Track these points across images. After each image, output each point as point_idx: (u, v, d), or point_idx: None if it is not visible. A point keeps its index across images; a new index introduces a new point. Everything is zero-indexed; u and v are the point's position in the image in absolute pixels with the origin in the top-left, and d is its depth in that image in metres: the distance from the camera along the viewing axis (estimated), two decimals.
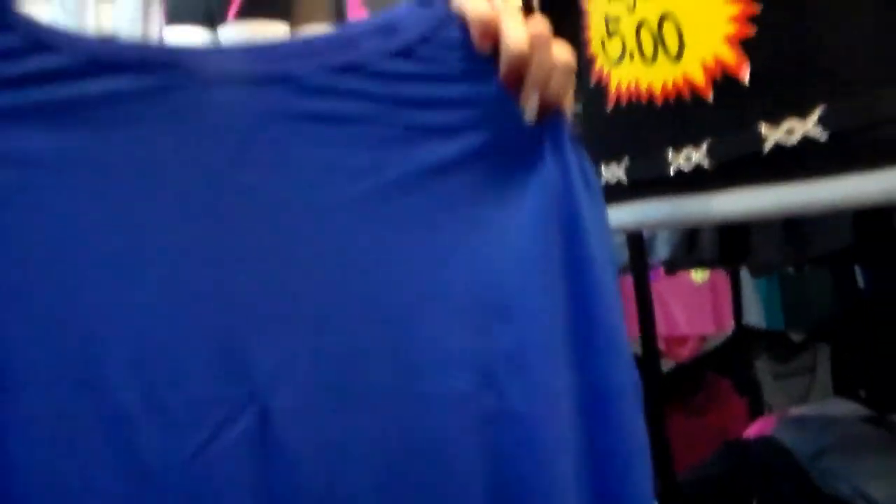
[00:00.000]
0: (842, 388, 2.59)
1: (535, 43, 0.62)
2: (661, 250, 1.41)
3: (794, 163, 0.72)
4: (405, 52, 0.65)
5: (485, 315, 0.63)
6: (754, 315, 2.68)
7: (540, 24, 0.62)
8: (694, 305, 2.64)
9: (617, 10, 0.86)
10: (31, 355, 0.58)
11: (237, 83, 0.63)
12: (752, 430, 1.65)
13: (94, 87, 0.61)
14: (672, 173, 0.82)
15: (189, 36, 2.36)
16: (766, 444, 1.48)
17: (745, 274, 2.73)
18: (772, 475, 1.41)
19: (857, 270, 2.34)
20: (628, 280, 1.60)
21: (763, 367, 2.78)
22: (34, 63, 0.60)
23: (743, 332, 2.70)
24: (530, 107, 0.63)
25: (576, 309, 0.64)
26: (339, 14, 2.44)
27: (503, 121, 0.65)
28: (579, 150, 0.66)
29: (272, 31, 2.32)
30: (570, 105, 0.66)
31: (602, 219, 0.67)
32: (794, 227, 1.25)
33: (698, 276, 2.66)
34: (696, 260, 1.38)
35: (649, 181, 0.85)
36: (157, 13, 2.51)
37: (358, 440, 0.61)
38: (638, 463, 0.64)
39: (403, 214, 0.64)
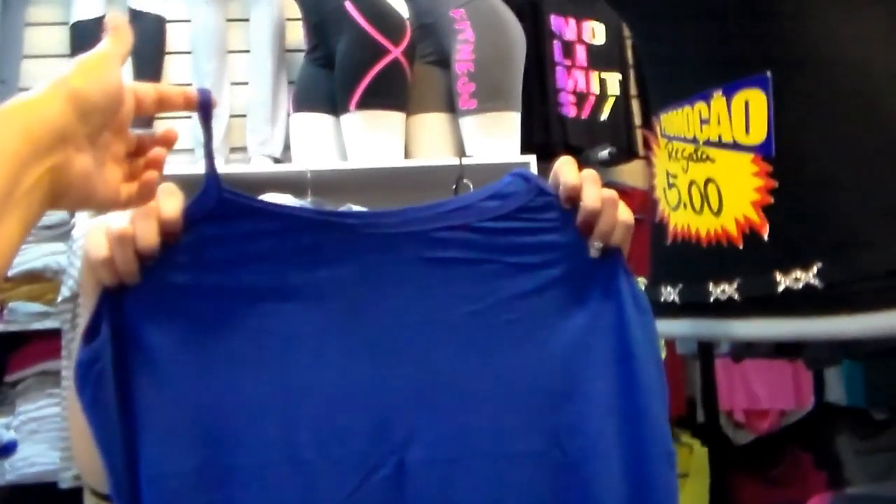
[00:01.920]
0: None
1: (606, 203, 0.87)
2: (724, 345, 1.60)
3: (799, 303, 0.94)
4: (508, 216, 0.91)
5: (555, 397, 0.90)
6: (835, 392, 2.78)
7: (610, 191, 0.87)
8: (775, 381, 2.74)
9: (675, 168, 1.10)
10: (255, 425, 0.87)
11: (387, 237, 0.91)
12: None
13: (295, 240, 0.90)
14: (711, 301, 1.04)
15: (315, 123, 2.60)
16: None
17: None
18: None
19: None
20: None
21: (844, 444, 2.86)
22: (254, 224, 0.89)
23: (825, 408, 2.81)
24: (595, 247, 0.89)
25: (623, 394, 0.90)
26: (450, 105, 2.65)
27: (577, 258, 0.90)
28: (631, 279, 0.90)
29: (389, 120, 2.55)
30: (627, 249, 0.91)
31: (650, 326, 0.91)
32: None
33: None
34: (755, 354, 1.57)
35: (695, 305, 1.08)
36: (286, 100, 2.75)
37: (466, 485, 0.88)
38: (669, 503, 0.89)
39: (502, 327, 0.91)
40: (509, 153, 2.55)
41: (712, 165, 1.03)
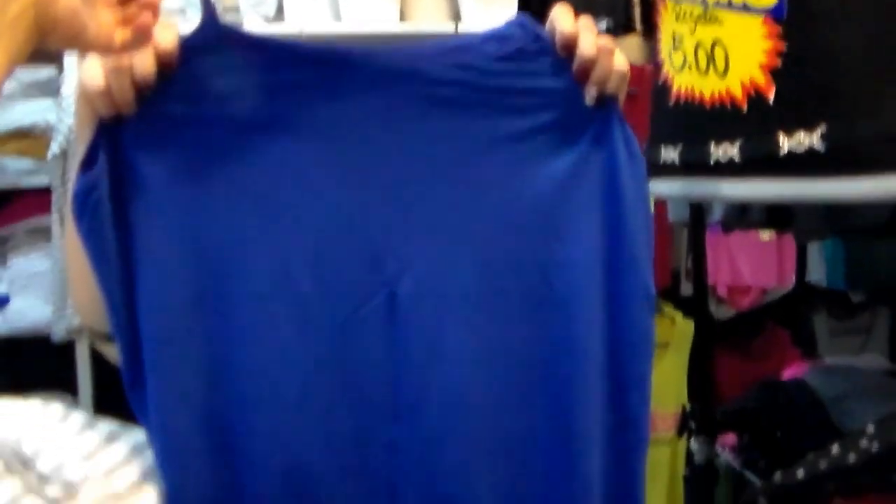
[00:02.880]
0: None
1: (601, 51, 0.88)
2: (717, 212, 1.63)
3: (801, 165, 0.95)
4: (509, 57, 0.92)
5: (544, 235, 0.93)
6: (816, 273, 2.83)
7: (607, 39, 0.88)
8: (759, 260, 2.79)
9: (681, 30, 1.09)
10: (251, 256, 0.90)
11: (385, 74, 0.91)
12: (789, 373, 1.87)
13: (293, 74, 0.90)
14: (711, 161, 1.05)
15: None
16: (795, 385, 1.71)
17: None
18: (797, 412, 1.63)
19: None
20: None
21: (821, 323, 2.93)
22: (252, 56, 0.89)
23: (805, 288, 2.87)
24: (591, 94, 0.90)
25: (609, 236, 0.93)
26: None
27: (573, 104, 0.92)
28: (625, 127, 0.92)
29: None
30: (622, 97, 0.92)
31: (640, 173, 0.93)
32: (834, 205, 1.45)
33: (766, 233, 2.81)
34: (747, 222, 1.60)
35: (695, 165, 1.09)
36: None
37: (455, 316, 0.92)
38: (643, 348, 0.94)
39: (495, 166, 0.93)
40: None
41: (720, 27, 1.02)
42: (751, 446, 1.73)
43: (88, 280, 0.91)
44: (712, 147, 1.05)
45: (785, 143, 0.96)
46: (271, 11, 2.60)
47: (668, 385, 2.73)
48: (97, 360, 2.45)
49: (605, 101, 0.91)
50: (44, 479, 0.79)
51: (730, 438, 1.81)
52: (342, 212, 0.92)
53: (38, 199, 2.50)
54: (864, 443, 0.84)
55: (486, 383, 0.93)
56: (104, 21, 0.75)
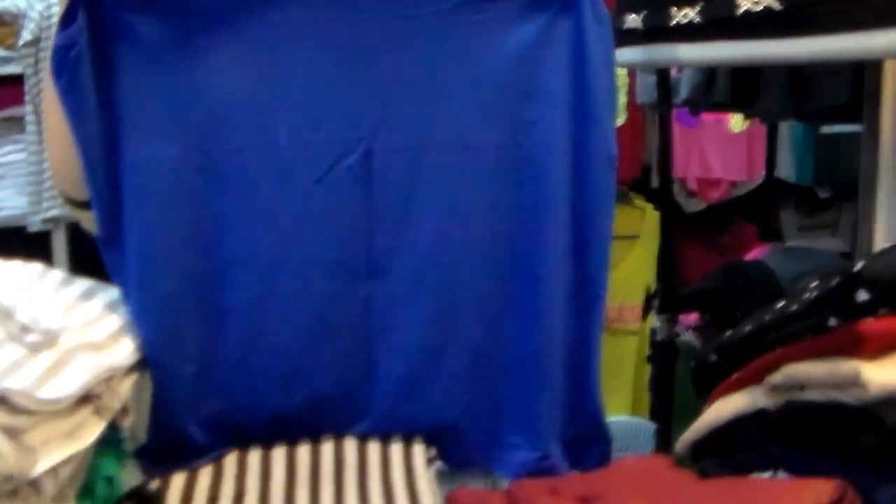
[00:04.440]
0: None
1: None
2: (683, 91, 1.64)
3: (758, 25, 0.96)
4: None
5: (513, 94, 0.96)
6: (786, 169, 2.85)
7: None
8: (729, 152, 2.81)
9: None
10: (232, 113, 0.93)
11: None
12: (750, 255, 1.91)
13: None
14: (673, 24, 1.06)
15: None
16: (755, 266, 1.75)
17: (782, 128, 2.89)
18: (754, 291, 1.67)
19: None
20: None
21: (788, 218, 2.97)
22: None
23: (773, 183, 2.90)
24: None
25: (575, 96, 0.96)
26: None
27: None
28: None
29: None
30: None
31: (606, 37, 0.96)
32: (796, 82, 1.47)
33: (737, 125, 2.82)
34: (712, 101, 1.61)
35: (657, 29, 1.10)
36: None
37: (428, 171, 0.95)
38: (604, 207, 0.98)
39: (467, 27, 0.95)
40: None
41: None
42: (711, 325, 1.78)
43: (66, 143, 0.92)
44: (673, 10, 1.06)
45: (742, 4, 0.96)
46: None
47: (636, 276, 2.78)
48: (73, 250, 2.45)
49: None
50: (24, 329, 0.81)
51: (691, 318, 1.86)
52: (319, 71, 0.94)
53: (11, 88, 2.45)
54: (805, 295, 0.88)
55: (456, 239, 0.97)
56: None
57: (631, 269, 2.77)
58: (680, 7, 1.05)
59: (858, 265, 0.80)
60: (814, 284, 0.90)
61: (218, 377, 0.97)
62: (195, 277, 0.95)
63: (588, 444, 1.02)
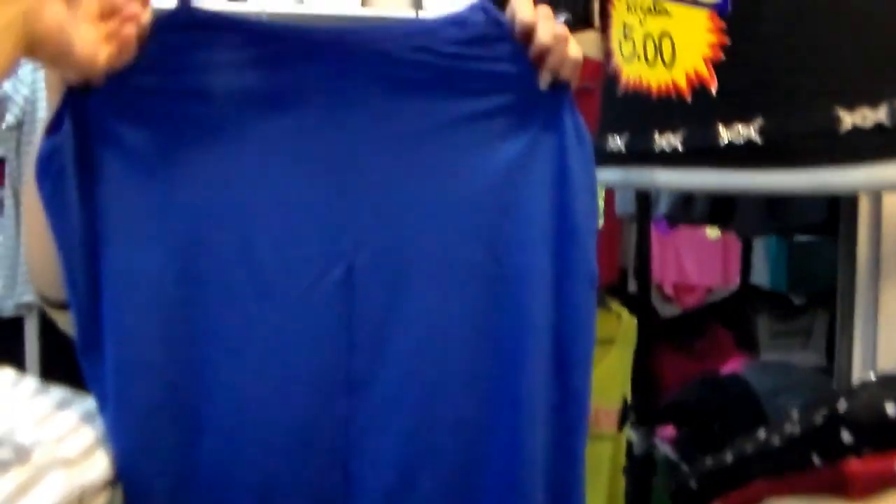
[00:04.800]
0: (833, 352, 2.80)
1: (558, 39, 0.92)
2: (662, 206, 1.66)
3: (740, 156, 0.98)
4: (469, 42, 0.95)
5: (494, 213, 0.97)
6: (760, 275, 2.88)
7: (563, 28, 0.92)
8: (705, 259, 2.84)
9: (631, 21, 1.12)
10: (215, 226, 0.92)
11: (352, 53, 0.94)
12: (727, 369, 1.92)
13: (262, 51, 0.92)
14: (656, 150, 1.08)
15: None
16: (733, 380, 1.75)
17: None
18: (733, 406, 1.67)
19: None
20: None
21: (763, 324, 2.98)
22: (205, 37, 0.90)
23: (748, 289, 2.93)
24: (545, 80, 0.94)
25: (556, 216, 0.97)
26: None
27: (527, 88, 0.95)
28: (576, 112, 0.96)
29: None
30: (575, 83, 0.96)
31: (588, 157, 0.98)
32: (773, 200, 1.50)
33: (713, 233, 2.85)
34: (691, 216, 1.63)
35: (640, 153, 1.12)
36: None
37: (409, 289, 0.95)
38: (586, 327, 0.98)
39: (450, 146, 0.96)
40: None
41: (669, 19, 1.05)
42: (688, 439, 1.77)
43: (45, 244, 0.91)
44: (657, 136, 1.08)
45: (725, 135, 0.98)
46: None
47: (612, 381, 2.74)
48: (45, 336, 2.43)
49: (558, 87, 0.95)
50: None
51: (669, 431, 1.85)
52: (304, 185, 0.94)
53: None
54: (787, 427, 0.88)
55: (436, 357, 0.96)
56: (88, 38, 0.76)
57: (607, 373, 2.74)
58: (662, 133, 1.06)
59: (842, 405, 0.79)
60: (796, 417, 0.89)
61: (194, 493, 0.94)
62: (173, 391, 0.94)
63: None
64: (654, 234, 2.77)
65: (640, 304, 1.90)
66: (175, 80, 0.91)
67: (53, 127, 0.88)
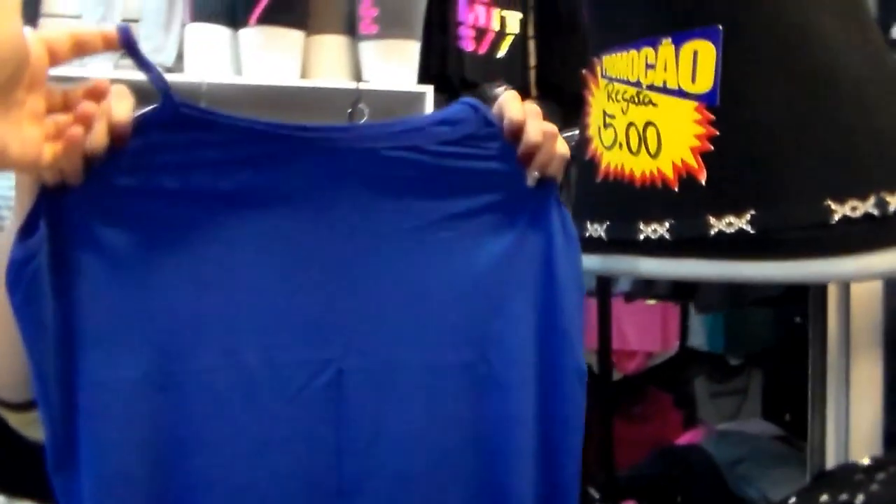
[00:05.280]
0: (769, 410, 2.87)
1: (546, 137, 0.92)
2: (624, 283, 1.68)
3: (730, 246, 0.99)
4: (459, 141, 0.94)
5: (483, 312, 0.95)
6: (698, 338, 2.95)
7: (550, 125, 0.92)
8: (644, 325, 2.88)
9: (613, 109, 1.13)
10: (198, 331, 0.89)
11: (338, 153, 0.92)
12: (684, 439, 1.93)
13: (245, 151, 0.89)
14: (641, 239, 1.09)
15: (211, 35, 2.49)
16: (693, 451, 1.77)
17: None
18: (695, 477, 1.69)
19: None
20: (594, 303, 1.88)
21: (700, 386, 3.05)
22: (204, 132, 0.87)
23: (686, 352, 2.99)
24: (533, 177, 0.94)
25: (544, 314, 0.96)
26: (350, 28, 2.61)
27: (515, 186, 0.95)
28: (562, 208, 0.97)
29: (288, 38, 2.49)
30: (559, 179, 0.97)
31: (574, 253, 0.98)
32: None
33: (651, 299, 2.91)
34: (653, 294, 1.66)
35: (622, 242, 1.13)
36: (182, 8, 2.60)
37: (399, 391, 0.93)
38: (575, 423, 0.97)
39: (438, 245, 0.95)
40: (407, 82, 2.55)
41: (654, 109, 1.06)
42: None
43: (8, 348, 0.87)
44: (641, 225, 1.09)
45: (715, 225, 1.00)
46: (170, 60, 2.55)
47: None
48: None
49: (545, 183, 0.95)
50: None
51: None
52: (290, 287, 0.92)
53: None
54: None
55: (426, 460, 0.94)
56: (29, 137, 0.72)
57: None
58: (648, 222, 1.07)
59: (859, 500, 0.80)
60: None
61: None
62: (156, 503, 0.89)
63: None
64: (594, 303, 2.81)
65: (601, 376, 1.91)
66: (157, 179, 0.87)
67: (27, 230, 0.84)
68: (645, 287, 1.64)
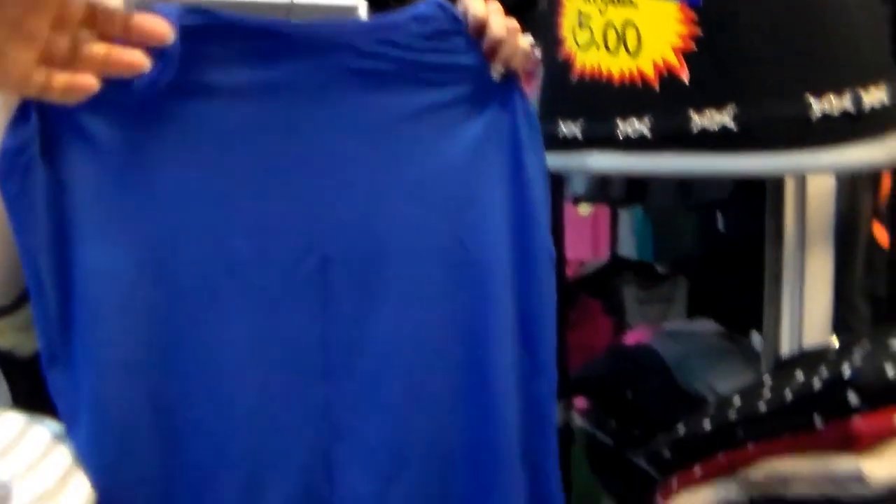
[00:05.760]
0: (693, 316, 2.97)
1: (509, 32, 0.97)
2: (578, 187, 1.72)
3: (711, 141, 1.04)
4: (429, 36, 0.98)
5: (457, 201, 1.01)
6: (627, 247, 3.03)
7: (513, 21, 0.98)
8: (577, 234, 2.94)
9: (589, 9, 1.15)
10: (190, 224, 0.91)
11: (320, 46, 0.95)
12: (632, 339, 2.00)
13: (232, 43, 0.91)
14: (619, 136, 1.12)
15: None
16: (642, 349, 1.83)
17: (622, 210, 3.06)
18: (644, 374, 1.75)
19: (719, 216, 2.64)
20: None
21: (629, 293, 3.12)
22: (189, 28, 0.88)
23: (616, 261, 3.06)
24: (497, 70, 0.99)
25: (514, 200, 1.02)
26: None
27: (480, 79, 1.00)
28: (525, 99, 1.02)
29: None
30: (523, 71, 1.02)
31: (538, 142, 1.03)
32: (685, 180, 1.58)
33: (584, 209, 2.96)
34: (606, 197, 1.70)
35: (600, 140, 1.16)
36: None
37: (381, 276, 0.97)
38: (549, 301, 1.05)
39: (413, 137, 0.99)
40: None
41: (634, 10, 1.09)
42: (602, 409, 1.85)
43: None
44: (619, 122, 1.12)
45: (697, 121, 1.03)
46: None
47: None
48: None
49: (509, 77, 1.00)
50: None
51: (580, 403, 1.92)
52: (275, 178, 0.94)
53: None
54: (767, 394, 0.94)
55: (411, 342, 0.99)
56: (21, 58, 0.66)
57: None
58: (626, 119, 1.10)
59: (847, 370, 0.86)
60: (776, 384, 0.96)
61: (178, 496, 0.92)
62: (153, 392, 0.91)
63: None
64: None
65: (560, 286, 1.95)
66: (146, 75, 0.86)
67: (19, 119, 0.84)
68: (598, 190, 1.68)
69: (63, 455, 0.84)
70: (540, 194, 1.03)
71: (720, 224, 2.63)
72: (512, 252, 1.01)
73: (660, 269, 3.04)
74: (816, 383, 0.89)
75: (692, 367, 1.73)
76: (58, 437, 0.86)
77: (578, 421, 1.92)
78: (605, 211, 3.01)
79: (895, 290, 1.33)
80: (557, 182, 1.73)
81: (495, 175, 1.01)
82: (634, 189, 1.61)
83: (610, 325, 3.07)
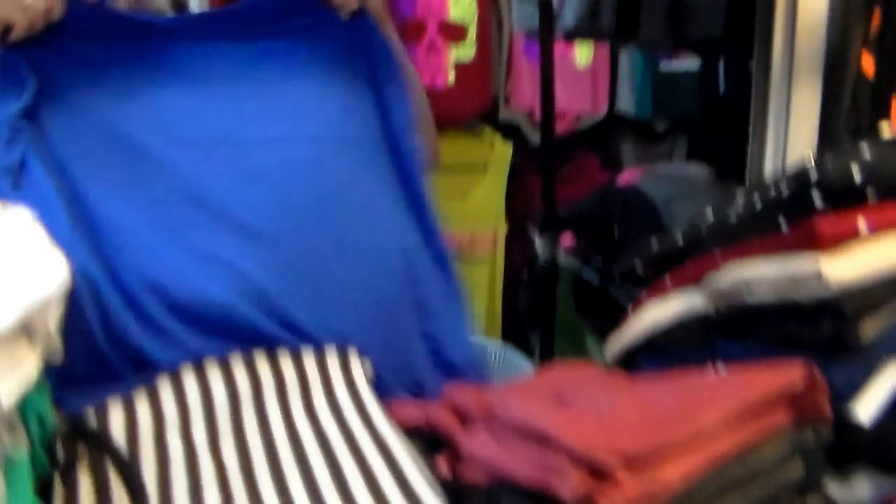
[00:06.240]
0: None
1: None
2: (568, 20, 1.68)
3: None
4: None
5: (321, 141, 1.13)
6: (626, 103, 2.99)
7: None
8: (575, 86, 2.90)
9: None
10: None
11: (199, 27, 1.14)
12: (622, 179, 2.00)
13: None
14: None
15: None
16: (630, 189, 1.83)
17: (622, 64, 3.02)
18: (631, 213, 1.76)
19: (721, 76, 2.61)
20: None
21: (628, 150, 3.12)
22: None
23: (614, 117, 3.04)
24: (346, 10, 1.13)
25: (383, 129, 1.17)
26: None
27: (334, 22, 1.15)
28: (383, 39, 1.18)
29: None
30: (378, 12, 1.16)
31: (397, 80, 1.18)
32: (676, 13, 1.54)
33: (582, 60, 2.92)
34: (596, 30, 1.66)
35: None
36: None
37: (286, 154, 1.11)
38: (415, 157, 1.19)
39: (272, 76, 1.14)
40: None
41: None
42: (588, 246, 1.86)
43: None
44: None
45: None
46: None
47: (486, 206, 2.83)
48: None
49: (360, 15, 1.15)
50: None
51: (567, 240, 1.93)
52: (201, 95, 1.12)
53: None
54: (739, 205, 0.94)
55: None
56: None
57: (481, 200, 2.82)
58: None
59: (814, 174, 0.85)
60: (748, 197, 0.96)
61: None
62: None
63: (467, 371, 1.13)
64: (525, 63, 2.80)
65: (544, 131, 1.94)
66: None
67: None
68: (588, 24, 1.64)
69: (37, 232, 0.82)
70: (402, 120, 1.17)
71: (721, 85, 2.60)
72: (391, 152, 1.18)
73: (658, 126, 3.02)
74: (785, 189, 0.89)
75: (678, 209, 1.73)
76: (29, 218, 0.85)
77: (564, 259, 1.93)
78: (604, 64, 2.96)
79: (877, 120, 1.31)
80: (548, 15, 1.70)
81: (357, 110, 1.16)
82: (625, 22, 1.57)
83: (607, 181, 3.06)
